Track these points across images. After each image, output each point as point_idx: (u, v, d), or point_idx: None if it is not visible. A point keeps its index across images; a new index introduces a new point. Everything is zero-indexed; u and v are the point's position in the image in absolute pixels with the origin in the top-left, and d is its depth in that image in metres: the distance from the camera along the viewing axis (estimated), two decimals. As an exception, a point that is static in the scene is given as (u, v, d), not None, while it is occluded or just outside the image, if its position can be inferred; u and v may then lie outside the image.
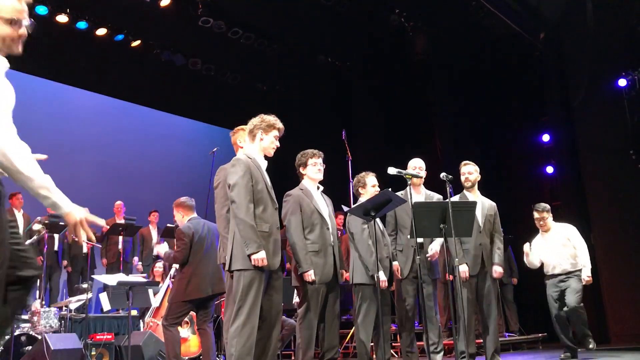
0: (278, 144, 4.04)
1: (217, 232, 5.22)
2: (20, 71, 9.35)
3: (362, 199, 4.88)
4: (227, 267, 3.79)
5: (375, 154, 10.34)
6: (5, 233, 2.24)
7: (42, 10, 8.61)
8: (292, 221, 4.42)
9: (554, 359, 5.94)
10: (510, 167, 9.98)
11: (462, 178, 5.25)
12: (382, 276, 4.64)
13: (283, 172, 6.04)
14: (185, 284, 4.99)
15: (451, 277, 5.01)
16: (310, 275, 4.25)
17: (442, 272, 5.62)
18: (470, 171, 5.24)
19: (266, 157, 4.06)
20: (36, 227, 6.97)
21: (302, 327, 4.31)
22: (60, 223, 7.25)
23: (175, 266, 6.29)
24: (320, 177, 4.65)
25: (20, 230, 8.07)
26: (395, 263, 4.93)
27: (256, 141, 3.98)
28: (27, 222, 8.16)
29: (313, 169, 4.62)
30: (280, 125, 4.02)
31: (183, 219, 5.33)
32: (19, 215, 8.22)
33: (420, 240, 4.88)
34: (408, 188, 4.84)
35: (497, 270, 5.02)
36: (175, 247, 5.12)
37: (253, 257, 3.60)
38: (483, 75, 10.15)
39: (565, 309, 5.72)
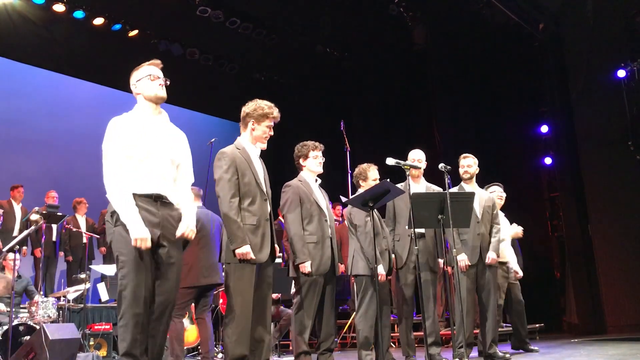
0: (272, 133, 3.92)
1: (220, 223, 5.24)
2: (17, 60, 9.32)
3: (361, 191, 4.85)
4: (220, 259, 3.80)
5: (373, 145, 10.34)
6: None
7: (38, -1, 8.57)
8: (291, 212, 4.40)
9: (551, 349, 5.96)
10: (508, 158, 9.95)
11: (461, 171, 5.25)
12: (381, 269, 4.63)
13: (279, 162, 6.04)
14: (187, 271, 5.01)
15: (449, 269, 5.02)
16: (306, 267, 4.24)
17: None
18: (469, 164, 5.24)
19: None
20: (34, 217, 6.96)
21: (297, 317, 4.32)
22: (58, 214, 7.24)
23: None
24: (321, 170, 4.61)
25: (17, 222, 8.09)
26: (394, 257, 4.92)
27: (247, 130, 3.88)
28: (25, 214, 8.17)
29: (314, 161, 4.58)
30: (275, 113, 3.88)
31: None
32: (18, 208, 8.24)
33: (419, 230, 4.89)
34: (407, 179, 4.84)
35: (490, 256, 5.03)
36: None
37: (237, 251, 3.59)
38: (482, 65, 10.12)
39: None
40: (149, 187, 3.09)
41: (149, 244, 2.96)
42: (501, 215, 5.80)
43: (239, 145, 3.88)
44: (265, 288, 3.79)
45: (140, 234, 2.94)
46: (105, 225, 3.16)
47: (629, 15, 8.36)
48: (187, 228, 3.15)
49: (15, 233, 7.95)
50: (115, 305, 7.27)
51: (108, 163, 3.06)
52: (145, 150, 3.11)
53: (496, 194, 5.84)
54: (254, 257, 3.62)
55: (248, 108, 3.90)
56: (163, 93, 3.27)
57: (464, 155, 5.31)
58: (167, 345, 5.20)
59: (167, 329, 3.18)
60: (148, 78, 3.25)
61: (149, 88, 3.24)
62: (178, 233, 3.13)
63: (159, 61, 3.37)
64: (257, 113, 3.85)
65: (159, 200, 3.11)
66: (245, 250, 3.59)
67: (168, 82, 3.30)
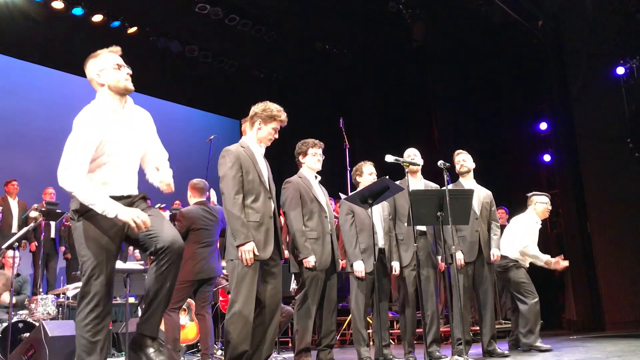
0: (276, 136, 3.97)
1: (223, 218, 5.23)
2: (15, 57, 9.30)
3: (360, 188, 4.89)
4: (223, 256, 3.82)
5: (373, 142, 10.34)
6: None
7: (37, -5, 8.55)
8: (292, 208, 4.42)
9: (549, 346, 5.96)
10: (507, 155, 9.97)
11: (457, 166, 5.28)
12: (358, 266, 4.68)
13: (280, 159, 6.04)
14: (182, 264, 5.00)
15: (442, 265, 5.05)
16: (309, 262, 4.26)
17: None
18: (464, 158, 5.29)
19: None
20: (33, 214, 6.97)
21: (300, 314, 4.33)
22: (57, 211, 7.24)
23: None
24: (319, 167, 4.65)
25: (15, 218, 8.07)
26: (394, 264, 4.92)
27: (254, 129, 3.94)
28: (23, 209, 8.14)
29: (313, 158, 4.61)
30: (283, 117, 3.92)
31: (190, 199, 5.39)
32: (14, 203, 8.19)
33: (421, 227, 4.90)
34: (406, 176, 4.84)
35: (495, 253, 5.08)
36: None
37: (240, 248, 3.61)
38: (481, 63, 10.11)
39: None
40: (122, 189, 3.01)
41: (143, 216, 2.79)
42: (538, 225, 5.78)
43: (243, 144, 3.93)
44: (273, 283, 3.80)
45: (127, 213, 2.77)
46: (70, 224, 2.97)
47: (629, 12, 8.35)
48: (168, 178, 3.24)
49: (14, 229, 7.93)
50: (115, 302, 7.32)
51: (72, 156, 2.79)
52: (117, 152, 2.99)
53: (545, 205, 5.84)
54: (257, 253, 3.64)
55: (257, 108, 3.95)
56: (131, 85, 3.05)
57: (458, 151, 5.37)
58: (163, 340, 5.22)
59: None
60: (114, 67, 3.01)
61: (116, 79, 2.99)
62: (167, 181, 3.24)
63: (119, 48, 3.14)
64: (265, 114, 3.90)
65: (130, 200, 3.04)
66: (249, 247, 3.60)
67: (130, 72, 3.08)
